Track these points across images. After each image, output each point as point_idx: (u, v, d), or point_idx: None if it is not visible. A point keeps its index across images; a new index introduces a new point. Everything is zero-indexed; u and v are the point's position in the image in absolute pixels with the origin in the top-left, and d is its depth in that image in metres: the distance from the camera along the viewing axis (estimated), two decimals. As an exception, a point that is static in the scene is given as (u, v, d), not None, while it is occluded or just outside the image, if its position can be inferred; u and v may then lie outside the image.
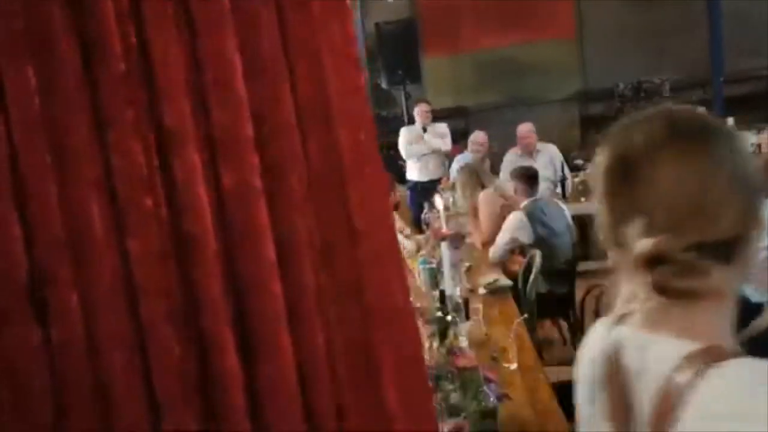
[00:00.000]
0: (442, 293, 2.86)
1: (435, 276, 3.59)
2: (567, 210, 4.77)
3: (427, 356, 2.74)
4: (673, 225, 0.88)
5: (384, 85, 7.94)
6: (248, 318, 0.71)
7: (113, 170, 0.68)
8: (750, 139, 7.10)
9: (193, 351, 0.69)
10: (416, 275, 3.96)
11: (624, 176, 0.93)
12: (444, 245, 2.81)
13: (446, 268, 2.80)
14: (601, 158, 0.97)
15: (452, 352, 2.20)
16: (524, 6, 9.09)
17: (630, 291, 0.93)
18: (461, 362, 2.05)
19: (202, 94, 0.73)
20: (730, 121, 7.87)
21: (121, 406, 0.68)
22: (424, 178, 6.94)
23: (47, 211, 0.66)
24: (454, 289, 3.15)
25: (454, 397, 2.15)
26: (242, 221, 0.72)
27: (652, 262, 0.87)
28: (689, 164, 0.89)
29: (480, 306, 3.43)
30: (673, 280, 0.86)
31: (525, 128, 6.78)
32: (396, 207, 5.28)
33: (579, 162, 6.99)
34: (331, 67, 0.80)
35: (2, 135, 0.67)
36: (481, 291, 3.78)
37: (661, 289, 0.86)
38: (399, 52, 7.70)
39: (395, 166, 7.14)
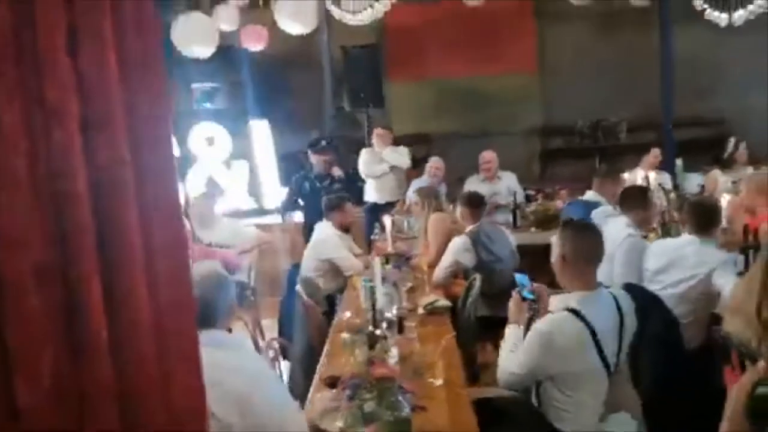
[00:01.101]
0: (375, 309, 2.94)
1: (374, 293, 3.67)
2: (511, 237, 4.91)
3: (350, 366, 2.81)
4: None
5: (347, 108, 8.07)
6: (112, 269, 0.81)
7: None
8: (696, 180, 7.39)
9: (58, 302, 0.77)
10: (360, 293, 4.04)
11: None
12: (376, 262, 2.89)
13: (378, 285, 2.88)
14: None
15: (371, 362, 2.28)
16: (489, 38, 9.30)
17: None
18: (378, 372, 2.12)
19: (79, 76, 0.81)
20: (679, 162, 8.19)
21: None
22: (381, 200, 7.06)
23: None
24: (388, 306, 3.23)
25: (370, 405, 2.22)
26: (111, 190, 0.81)
27: None
28: None
29: (414, 324, 3.53)
30: None
31: (488, 155, 7.00)
32: (347, 229, 5.36)
33: (531, 193, 7.17)
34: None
35: None
36: (420, 311, 3.87)
37: None
38: (363, 76, 7.85)
39: (355, 188, 7.25)
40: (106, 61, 0.83)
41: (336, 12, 6.53)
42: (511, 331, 2.92)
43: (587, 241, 2.74)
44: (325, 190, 6.21)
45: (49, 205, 0.77)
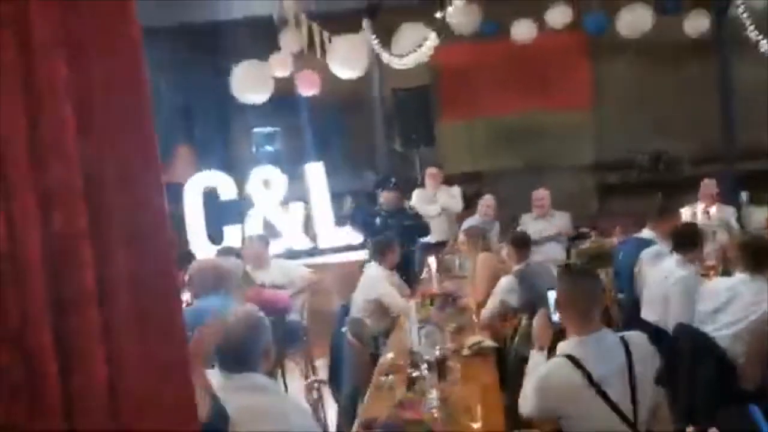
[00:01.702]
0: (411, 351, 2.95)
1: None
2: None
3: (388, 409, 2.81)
4: None
5: (398, 149, 8.17)
6: (67, 335, 0.86)
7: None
8: (762, 214, 7.11)
9: (19, 360, 0.83)
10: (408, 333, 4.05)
11: None
12: (411, 306, 2.91)
13: (413, 327, 2.89)
14: None
15: (401, 405, 2.28)
16: (541, 74, 9.28)
17: None
18: (406, 415, 2.13)
19: (40, 149, 0.89)
20: (744, 196, 7.90)
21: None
22: (433, 240, 7.07)
23: None
24: (428, 348, 3.22)
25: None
26: (68, 258, 0.87)
27: None
28: None
29: (457, 365, 3.51)
30: None
31: (540, 192, 6.99)
32: (395, 268, 5.39)
33: (586, 230, 7.05)
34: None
35: None
36: (465, 351, 3.84)
37: None
38: (414, 117, 7.96)
39: (423, 223, 7.31)
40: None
41: (384, 56, 6.68)
42: (534, 360, 2.89)
43: (581, 287, 2.72)
44: (396, 226, 6.31)
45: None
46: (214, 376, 2.51)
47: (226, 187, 8.25)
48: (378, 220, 6.70)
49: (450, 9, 5.13)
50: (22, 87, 0.88)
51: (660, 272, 4.21)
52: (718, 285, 3.77)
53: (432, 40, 5.85)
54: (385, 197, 6.77)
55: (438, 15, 5.57)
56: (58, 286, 0.85)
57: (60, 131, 0.88)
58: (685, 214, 6.11)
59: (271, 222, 7.88)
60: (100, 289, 0.88)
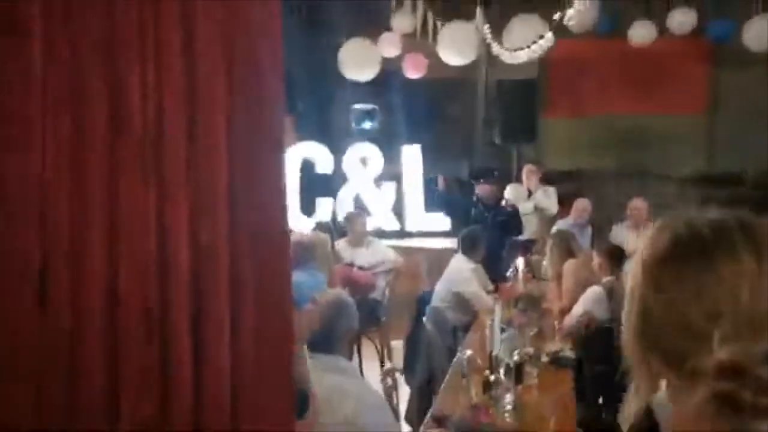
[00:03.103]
0: (491, 354, 2.97)
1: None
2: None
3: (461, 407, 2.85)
4: (751, 333, 0.85)
5: (497, 142, 8.09)
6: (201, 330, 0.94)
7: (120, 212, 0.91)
8: None
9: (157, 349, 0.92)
10: (486, 331, 4.07)
11: (696, 268, 0.92)
12: (497, 309, 2.92)
13: (496, 331, 2.91)
14: (661, 243, 0.97)
15: (476, 407, 2.32)
16: (655, 75, 8.91)
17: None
18: (480, 419, 2.17)
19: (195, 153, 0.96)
20: None
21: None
22: (523, 237, 7.00)
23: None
24: (508, 352, 3.24)
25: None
26: (212, 269, 0.95)
27: (727, 373, 0.81)
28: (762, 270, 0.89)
29: (534, 372, 3.50)
30: (749, 395, 0.79)
31: (638, 203, 6.79)
32: (482, 262, 5.39)
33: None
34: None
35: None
36: (543, 358, 3.82)
37: (734, 405, 0.80)
38: (517, 111, 7.85)
39: (518, 220, 7.26)
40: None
41: (495, 48, 6.60)
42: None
43: None
44: (491, 220, 6.28)
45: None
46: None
47: (323, 160, 8.43)
48: (474, 211, 6.65)
49: (570, 11, 5.00)
50: (186, 88, 0.96)
51: None
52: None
53: (547, 40, 5.73)
54: (482, 189, 6.71)
55: (556, 17, 5.44)
56: (198, 284, 0.94)
57: (214, 136, 0.96)
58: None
59: (363, 199, 8.00)
60: (232, 290, 0.96)
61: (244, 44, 1.02)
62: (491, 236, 5.55)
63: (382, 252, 5.91)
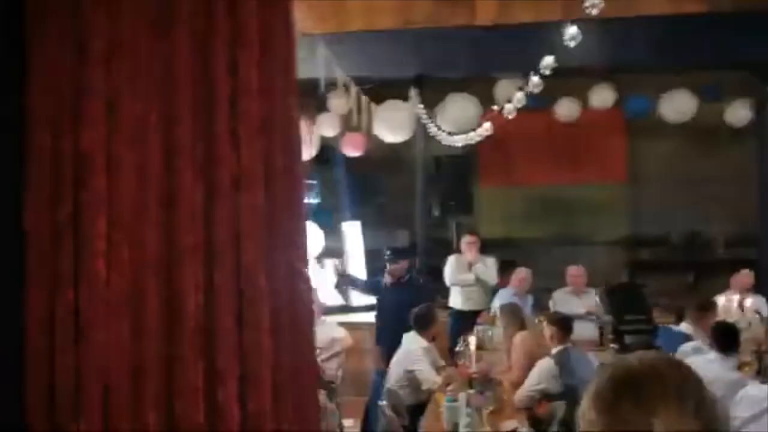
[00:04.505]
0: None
1: (456, 415, 3.75)
2: (596, 361, 4.87)
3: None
4: None
5: (436, 214, 8.31)
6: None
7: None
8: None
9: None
10: (442, 411, 4.12)
11: (632, 404, 1.14)
12: (462, 399, 2.98)
13: (462, 419, 2.97)
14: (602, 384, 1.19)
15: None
16: (578, 147, 9.37)
17: None
18: None
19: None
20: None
21: None
22: (466, 308, 7.12)
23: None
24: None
25: None
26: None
27: None
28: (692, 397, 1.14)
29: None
30: None
31: (575, 270, 7.04)
32: (433, 339, 5.45)
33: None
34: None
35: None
36: (502, 437, 3.89)
37: None
38: (453, 184, 8.13)
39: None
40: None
41: (432, 129, 6.85)
42: None
43: None
44: (398, 295, 6.27)
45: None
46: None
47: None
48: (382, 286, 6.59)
49: (519, 95, 5.28)
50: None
51: (701, 372, 4.20)
52: (760, 391, 3.78)
53: (485, 129, 6.01)
54: (393, 269, 6.49)
55: (495, 107, 5.73)
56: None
57: (256, 161, 1.02)
58: (720, 303, 6.11)
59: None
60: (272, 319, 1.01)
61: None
62: (398, 308, 5.65)
63: (333, 332, 5.89)
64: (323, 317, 5.96)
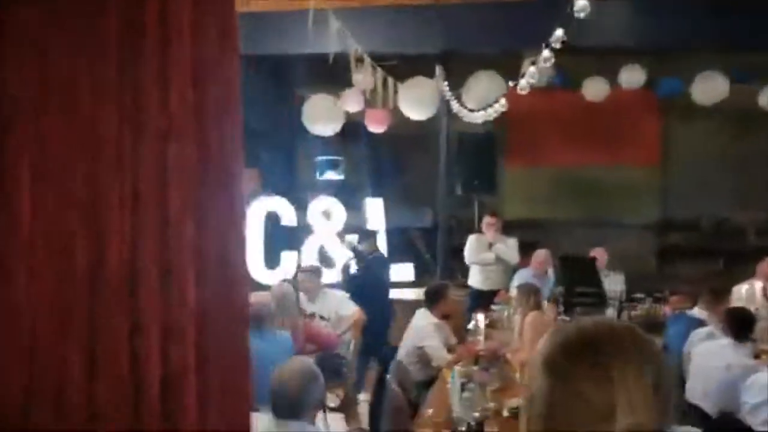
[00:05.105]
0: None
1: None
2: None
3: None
4: (638, 416, 1.00)
5: (458, 192, 8.25)
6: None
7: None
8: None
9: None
10: (448, 384, 4.11)
11: (587, 367, 1.04)
12: (456, 372, 2.98)
13: (455, 393, 2.97)
14: (553, 345, 1.09)
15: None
16: (610, 128, 9.18)
17: None
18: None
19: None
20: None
21: None
22: (485, 287, 7.10)
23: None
24: (468, 411, 3.29)
25: None
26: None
27: None
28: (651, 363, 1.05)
29: (496, 429, 3.55)
30: None
31: (597, 252, 6.94)
32: (445, 316, 5.45)
33: (641, 295, 6.94)
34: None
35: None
36: (505, 413, 3.87)
37: None
38: (477, 162, 8.04)
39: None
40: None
41: (454, 106, 6.79)
42: None
43: None
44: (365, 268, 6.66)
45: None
46: (265, 419, 2.66)
47: (287, 213, 8.47)
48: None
49: (532, 69, 5.18)
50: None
51: (715, 358, 4.14)
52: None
53: (501, 105, 5.93)
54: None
55: (511, 83, 5.64)
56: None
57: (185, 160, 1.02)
58: (742, 291, 5.97)
59: (327, 252, 8.04)
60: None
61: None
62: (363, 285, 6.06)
63: (344, 307, 5.90)
64: (327, 290, 5.99)
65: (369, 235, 7.24)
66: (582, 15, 3.42)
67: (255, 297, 4.57)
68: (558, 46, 4.12)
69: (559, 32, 4.00)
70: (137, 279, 0.99)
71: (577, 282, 4.79)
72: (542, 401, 1.07)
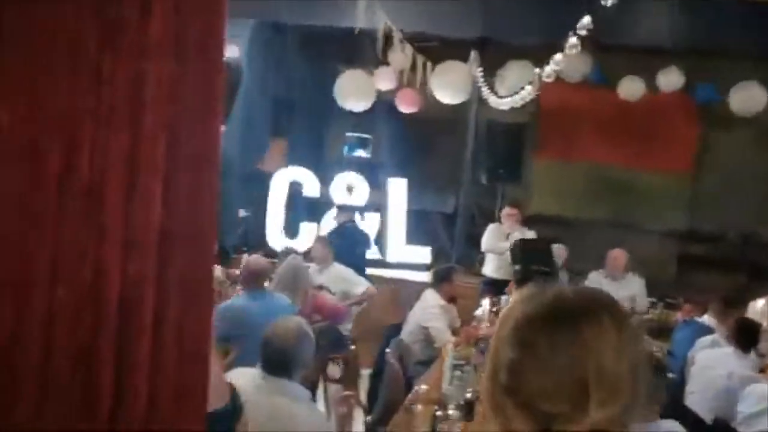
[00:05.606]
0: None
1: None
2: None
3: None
4: (615, 397, 0.97)
5: (483, 180, 8.23)
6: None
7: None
8: None
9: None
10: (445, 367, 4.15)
11: (563, 333, 0.99)
12: (449, 349, 3.01)
13: (446, 371, 3.00)
14: (531, 308, 1.02)
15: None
16: (644, 129, 9.01)
17: None
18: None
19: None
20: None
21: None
22: (498, 276, 7.10)
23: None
24: (459, 391, 3.32)
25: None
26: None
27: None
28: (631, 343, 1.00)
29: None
30: None
31: (616, 253, 6.90)
32: (451, 299, 5.47)
33: (654, 300, 6.89)
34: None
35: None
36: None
37: None
38: (504, 152, 8.00)
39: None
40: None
41: (485, 92, 6.76)
42: None
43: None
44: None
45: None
46: (252, 374, 2.72)
47: (311, 185, 8.54)
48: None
49: (558, 56, 5.13)
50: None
51: (717, 365, 4.11)
52: (764, 389, 3.67)
53: (528, 92, 5.88)
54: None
55: (537, 70, 5.59)
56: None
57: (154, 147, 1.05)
58: (758, 306, 5.88)
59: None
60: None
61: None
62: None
63: (352, 283, 5.95)
64: (336, 264, 6.03)
65: (349, 209, 7.58)
66: (609, 2, 3.38)
67: (254, 258, 4.65)
68: (584, 33, 4.08)
69: (586, 19, 3.96)
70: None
71: (533, 262, 4.91)
72: (507, 372, 1.01)
